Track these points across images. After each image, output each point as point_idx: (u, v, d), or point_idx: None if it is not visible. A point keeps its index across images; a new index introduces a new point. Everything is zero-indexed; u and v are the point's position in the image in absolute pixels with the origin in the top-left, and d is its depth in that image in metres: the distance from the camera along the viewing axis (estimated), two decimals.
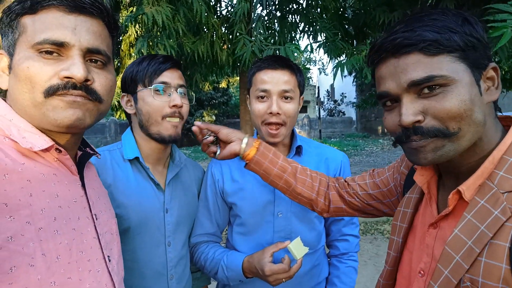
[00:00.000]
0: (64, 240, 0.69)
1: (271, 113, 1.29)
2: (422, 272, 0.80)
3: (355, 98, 21.17)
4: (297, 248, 1.20)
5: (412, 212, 0.90)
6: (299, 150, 1.41)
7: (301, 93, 1.40)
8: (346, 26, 4.64)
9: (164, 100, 1.23)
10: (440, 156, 0.71)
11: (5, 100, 0.77)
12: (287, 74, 1.32)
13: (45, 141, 0.72)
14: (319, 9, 4.08)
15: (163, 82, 1.24)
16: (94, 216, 0.81)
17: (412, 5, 3.99)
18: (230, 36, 3.70)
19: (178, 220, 1.33)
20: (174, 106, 1.22)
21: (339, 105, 25.37)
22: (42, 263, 0.64)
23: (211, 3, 3.56)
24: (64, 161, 0.78)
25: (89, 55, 0.74)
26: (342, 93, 24.24)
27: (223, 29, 3.76)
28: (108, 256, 0.81)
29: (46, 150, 0.73)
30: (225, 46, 3.80)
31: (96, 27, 0.75)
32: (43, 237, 0.65)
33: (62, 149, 0.75)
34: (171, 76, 1.26)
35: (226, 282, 1.33)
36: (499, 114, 0.79)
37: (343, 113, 25.20)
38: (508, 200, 0.66)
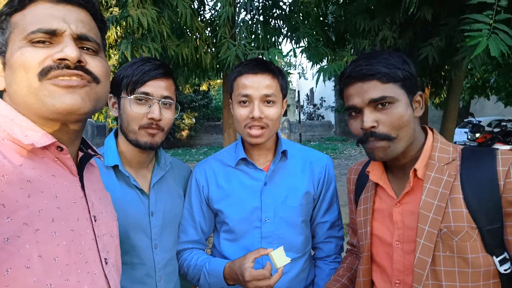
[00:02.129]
0: (62, 241, 0.69)
1: (253, 117, 1.28)
2: (398, 242, 1.08)
3: (334, 102, 21.50)
4: (279, 257, 1.18)
5: (371, 205, 1.18)
6: (284, 154, 1.41)
7: (284, 96, 1.39)
8: (328, 32, 4.73)
9: (142, 110, 1.22)
10: (387, 154, 1.04)
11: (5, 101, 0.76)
12: (269, 78, 1.31)
13: (47, 138, 0.72)
14: (301, 15, 4.14)
15: (145, 93, 1.22)
16: (92, 218, 0.80)
17: (391, 13, 4.11)
18: (214, 40, 3.70)
19: (164, 222, 1.33)
20: (151, 118, 1.21)
21: (318, 109, 25.70)
22: (39, 265, 0.63)
23: (194, 6, 3.55)
24: (64, 161, 0.77)
25: (80, 42, 0.75)
26: (322, 97, 24.58)
27: (207, 32, 3.76)
28: (105, 259, 0.81)
29: (47, 148, 0.73)
30: (208, 49, 3.80)
31: (84, 17, 0.77)
32: (40, 238, 0.65)
33: (63, 146, 0.75)
34: (156, 86, 1.24)
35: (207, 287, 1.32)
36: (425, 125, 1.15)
37: (323, 117, 25.53)
38: (448, 168, 1.02)
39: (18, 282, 0.60)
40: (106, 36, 0.89)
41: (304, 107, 28.02)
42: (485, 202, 0.94)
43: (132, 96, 1.22)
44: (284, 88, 1.38)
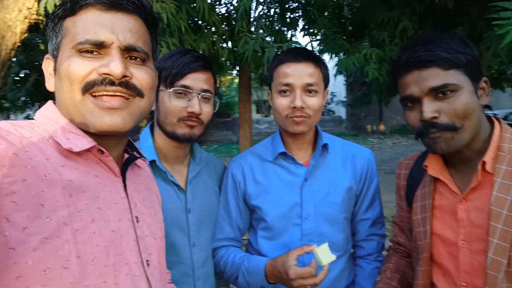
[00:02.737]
0: (101, 242, 0.68)
1: (294, 107, 1.22)
2: (464, 242, 0.99)
3: (345, 97, 21.33)
4: (324, 254, 1.13)
5: (431, 201, 1.08)
6: (325, 148, 1.36)
7: (326, 86, 1.33)
8: (345, 25, 4.66)
9: (182, 104, 1.19)
10: (451, 146, 0.95)
11: (54, 103, 0.77)
12: (311, 67, 1.25)
13: (87, 142, 0.72)
14: (318, 6, 4.08)
15: (184, 86, 1.19)
16: (135, 219, 0.79)
17: (410, 5, 4.02)
18: (231, 34, 3.66)
19: (201, 219, 1.29)
20: (191, 112, 1.18)
21: (329, 103, 25.55)
22: (76, 265, 0.63)
23: (210, 1, 3.52)
24: (106, 163, 0.76)
25: (128, 52, 0.74)
26: (332, 92, 24.43)
27: (224, 26, 3.73)
28: (147, 261, 0.79)
29: (88, 151, 0.73)
30: (225, 43, 3.77)
31: (133, 24, 0.75)
32: (79, 239, 0.64)
33: (104, 150, 0.74)
34: (196, 79, 1.20)
35: (246, 286, 1.28)
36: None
37: (333, 112, 25.38)
38: None
39: (55, 282, 0.60)
40: None
41: None
42: None
43: (171, 90, 1.18)
44: (327, 77, 1.32)
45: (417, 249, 1.12)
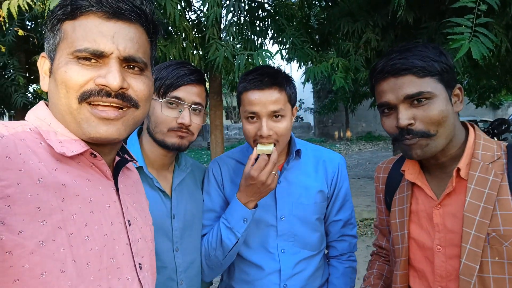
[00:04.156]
0: (95, 246, 0.68)
1: (261, 136, 1.26)
2: (439, 247, 1.01)
3: (312, 104, 21.76)
4: (265, 147, 1.24)
5: (408, 206, 1.10)
6: (298, 153, 1.42)
7: (293, 105, 1.36)
8: (312, 35, 4.81)
9: (173, 114, 1.20)
10: (426, 152, 0.97)
11: (47, 104, 0.76)
12: (276, 93, 1.26)
13: (80, 146, 0.71)
14: (286, 17, 4.19)
15: (177, 98, 1.20)
16: (127, 222, 0.79)
17: (374, 16, 4.23)
18: (202, 41, 3.68)
19: (185, 225, 1.31)
20: (181, 124, 1.20)
21: (297, 111, 25.97)
22: (73, 269, 0.63)
23: (182, 6, 3.53)
24: (99, 166, 0.76)
25: (126, 62, 0.74)
26: (300, 99, 24.85)
27: (195, 33, 3.74)
28: (139, 264, 0.80)
29: (81, 154, 0.72)
30: (195, 50, 3.78)
31: (134, 34, 0.73)
32: (73, 242, 0.64)
33: (97, 153, 0.74)
34: (188, 92, 1.22)
35: (233, 239, 1.27)
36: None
37: (301, 119, 25.81)
38: (494, 167, 0.95)
39: (53, 286, 0.60)
40: None
41: None
42: None
43: (164, 100, 1.20)
44: (293, 97, 1.34)
45: (395, 253, 1.13)
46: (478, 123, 13.22)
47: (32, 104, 6.74)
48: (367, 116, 19.30)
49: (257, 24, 4.17)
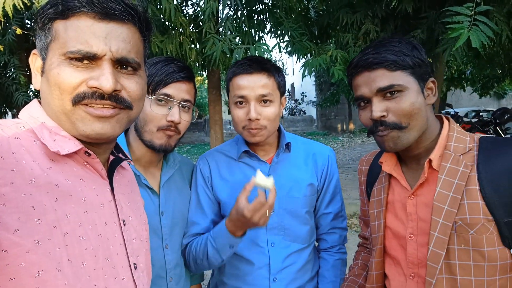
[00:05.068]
0: (89, 246, 0.68)
1: (250, 119, 1.27)
2: (411, 235, 1.06)
3: (315, 97, 21.69)
4: (264, 180, 1.17)
5: (385, 196, 1.15)
6: (288, 147, 1.42)
7: (282, 94, 1.38)
8: (311, 27, 4.76)
9: (162, 112, 1.20)
10: (398, 144, 1.01)
11: (39, 102, 0.75)
12: (264, 78, 1.28)
13: (74, 145, 0.71)
14: (284, 9, 4.15)
15: (166, 95, 1.20)
16: (121, 222, 0.79)
17: (373, 7, 4.17)
18: (199, 36, 3.66)
19: (174, 222, 1.30)
20: (170, 121, 1.19)
21: (300, 104, 25.88)
22: (69, 268, 0.63)
23: (178, 1, 3.50)
24: (93, 165, 0.75)
25: (119, 63, 0.73)
26: (303, 93, 24.77)
27: (191, 28, 3.72)
28: (134, 264, 0.79)
29: (75, 153, 0.72)
30: (193, 45, 3.75)
31: (127, 34, 0.73)
32: (68, 242, 0.64)
33: (91, 152, 0.74)
34: (178, 89, 1.22)
35: (218, 259, 1.28)
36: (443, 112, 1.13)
37: (304, 112, 25.72)
38: (465, 158, 0.99)
39: (50, 285, 0.60)
40: None
41: (286, 103, 28.09)
42: (503, 194, 0.90)
43: (153, 97, 1.19)
44: (282, 85, 1.36)
45: (372, 241, 1.18)
46: (482, 113, 13.09)
47: None
48: None
49: (255, 18, 4.14)
